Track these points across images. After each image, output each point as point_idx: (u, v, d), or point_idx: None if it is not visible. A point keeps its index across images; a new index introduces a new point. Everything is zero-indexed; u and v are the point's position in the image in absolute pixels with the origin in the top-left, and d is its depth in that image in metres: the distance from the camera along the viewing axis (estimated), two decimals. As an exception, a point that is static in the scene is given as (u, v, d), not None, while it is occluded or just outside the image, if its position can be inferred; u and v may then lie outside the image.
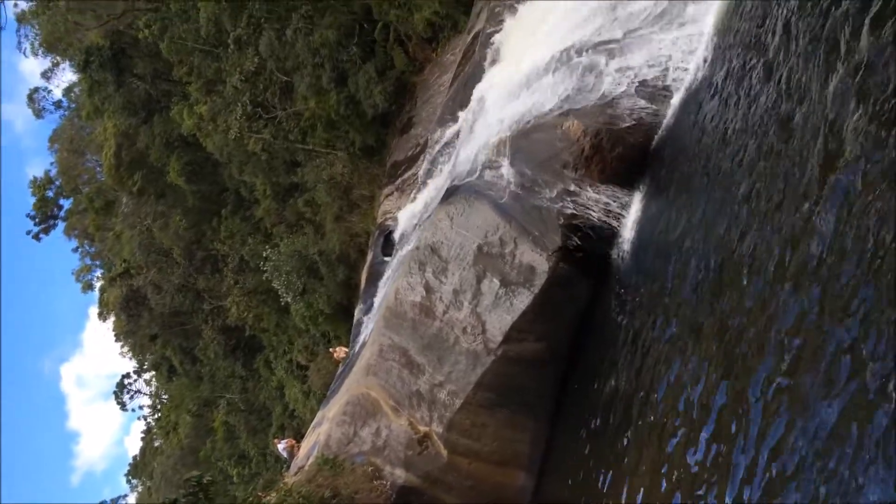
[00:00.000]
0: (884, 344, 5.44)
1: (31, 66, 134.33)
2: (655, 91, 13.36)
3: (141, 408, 69.02)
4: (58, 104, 57.23)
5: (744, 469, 7.04)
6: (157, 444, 70.16)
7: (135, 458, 74.83)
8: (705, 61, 12.25)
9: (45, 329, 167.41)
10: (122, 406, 66.38)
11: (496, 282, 14.40)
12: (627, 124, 13.46)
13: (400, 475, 14.88)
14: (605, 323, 13.71)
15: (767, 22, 9.57)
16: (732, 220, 9.12)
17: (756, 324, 7.63)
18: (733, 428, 7.47)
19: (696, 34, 12.69)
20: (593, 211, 13.75)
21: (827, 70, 7.44)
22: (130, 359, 64.95)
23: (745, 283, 8.24)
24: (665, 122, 13.24)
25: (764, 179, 8.45)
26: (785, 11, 9.04)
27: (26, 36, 52.55)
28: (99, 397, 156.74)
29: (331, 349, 29.88)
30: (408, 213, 24.72)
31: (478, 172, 16.23)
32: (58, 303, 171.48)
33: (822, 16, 7.86)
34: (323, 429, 17.39)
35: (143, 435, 74.13)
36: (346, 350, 26.50)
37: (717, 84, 11.23)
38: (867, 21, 6.80)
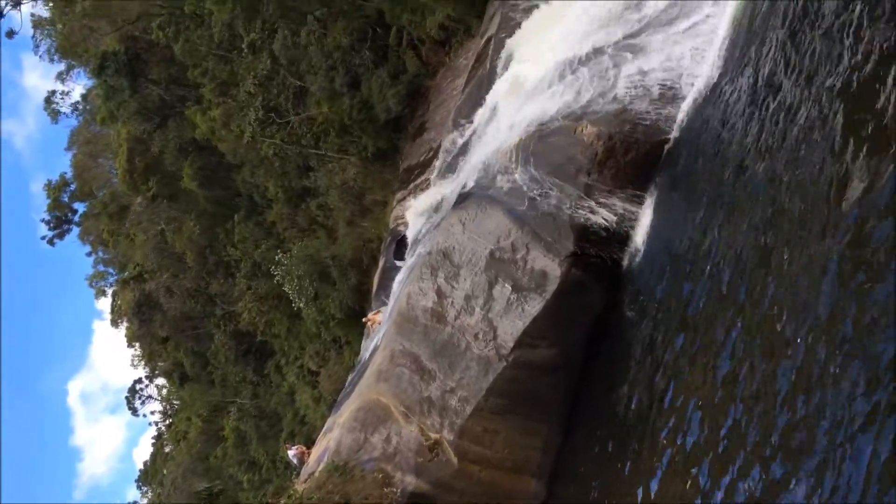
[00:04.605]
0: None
1: (34, 81, 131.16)
2: (669, 95, 13.23)
3: (153, 413, 69.13)
4: (75, 107, 57.63)
5: (758, 476, 6.90)
6: (167, 449, 70.14)
7: (145, 463, 74.77)
8: (719, 64, 12.12)
9: (52, 344, 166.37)
10: (134, 412, 66.41)
11: (508, 287, 14.27)
12: (641, 128, 13.33)
13: (410, 482, 14.75)
14: (618, 330, 13.55)
15: (783, 22, 9.44)
16: (746, 225, 8.97)
17: (772, 329, 7.48)
18: (749, 439, 7.32)
19: (710, 37, 12.57)
20: (606, 216, 13.61)
21: (840, 70, 7.30)
22: (144, 367, 65.04)
23: (759, 288, 8.09)
24: (678, 125, 13.10)
25: (780, 184, 8.31)
26: (798, 9, 8.92)
27: (42, 41, 53.10)
28: (105, 411, 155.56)
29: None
30: (415, 211, 24.59)
31: (491, 177, 16.12)
32: (64, 318, 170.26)
33: (835, 14, 7.74)
34: (333, 435, 17.28)
35: (153, 441, 74.14)
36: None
37: (730, 87, 11.09)
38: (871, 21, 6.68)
